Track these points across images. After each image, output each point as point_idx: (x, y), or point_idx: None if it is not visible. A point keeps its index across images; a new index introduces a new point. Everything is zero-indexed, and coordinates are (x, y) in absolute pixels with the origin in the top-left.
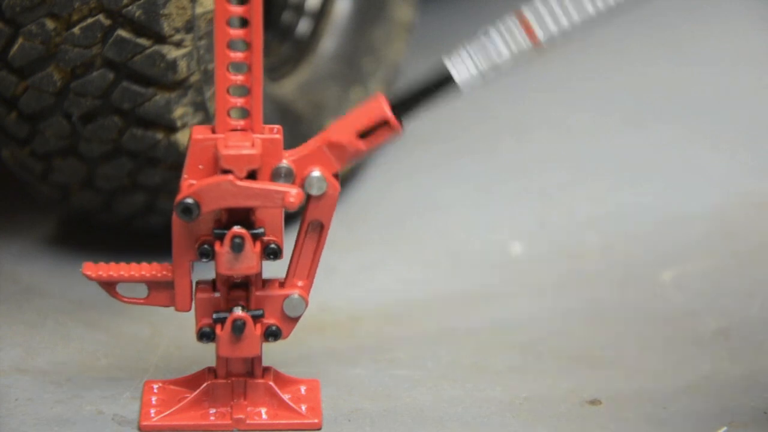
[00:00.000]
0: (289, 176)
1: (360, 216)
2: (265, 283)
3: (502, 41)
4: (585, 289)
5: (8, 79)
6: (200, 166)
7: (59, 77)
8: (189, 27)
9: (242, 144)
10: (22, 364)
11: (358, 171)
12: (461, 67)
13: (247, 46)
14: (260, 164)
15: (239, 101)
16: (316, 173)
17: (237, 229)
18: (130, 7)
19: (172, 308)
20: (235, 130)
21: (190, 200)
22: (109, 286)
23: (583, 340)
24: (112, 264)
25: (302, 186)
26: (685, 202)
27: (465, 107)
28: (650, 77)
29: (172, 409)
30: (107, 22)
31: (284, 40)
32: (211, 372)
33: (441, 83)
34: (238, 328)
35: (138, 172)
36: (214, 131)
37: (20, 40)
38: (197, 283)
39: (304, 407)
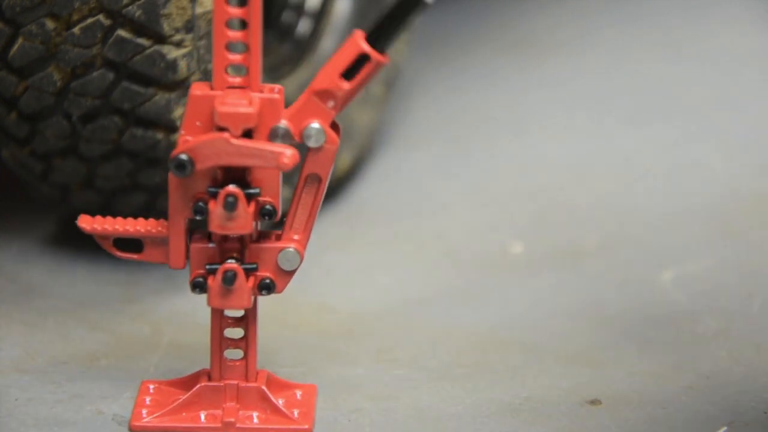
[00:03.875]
0: (286, 137)
1: (360, 216)
2: (261, 236)
3: None
4: (585, 289)
5: (8, 79)
6: (198, 123)
7: (59, 77)
8: (189, 27)
9: (239, 102)
10: (22, 364)
11: (358, 171)
12: None
13: (245, 1)
14: (257, 123)
15: (237, 57)
16: (315, 125)
17: (231, 187)
18: (130, 7)
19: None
20: (233, 87)
21: (184, 156)
22: (104, 239)
23: (583, 340)
24: (108, 218)
25: (300, 139)
26: (685, 201)
27: (465, 107)
28: (650, 77)
29: (163, 410)
30: (107, 22)
31: (284, 40)
32: (206, 374)
33: (411, 4)
34: (229, 279)
35: (138, 172)
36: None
37: (20, 40)
38: (193, 232)
39: (296, 412)
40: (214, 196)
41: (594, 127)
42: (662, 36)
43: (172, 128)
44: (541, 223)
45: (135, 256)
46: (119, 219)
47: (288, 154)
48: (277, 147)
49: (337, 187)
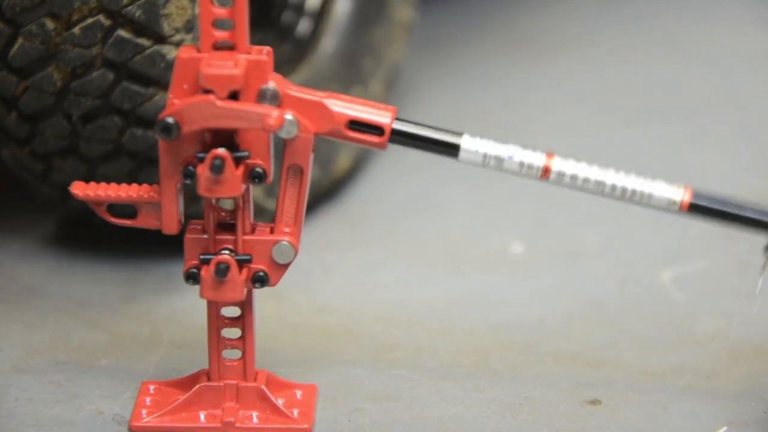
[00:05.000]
0: (274, 99)
1: (360, 216)
2: (255, 228)
3: (520, 154)
4: (585, 289)
5: (8, 79)
6: (185, 86)
7: (59, 77)
8: (189, 27)
9: (225, 64)
10: (22, 364)
11: (358, 170)
12: (472, 141)
13: None
14: (243, 85)
15: (223, 12)
16: (287, 116)
17: (218, 150)
18: (130, 7)
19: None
20: (220, 49)
21: (170, 119)
22: (97, 205)
23: (583, 340)
24: (102, 184)
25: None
26: None
27: (465, 108)
28: (650, 77)
29: (163, 411)
30: (107, 22)
31: (284, 40)
32: (206, 374)
33: (447, 144)
34: (222, 271)
35: (138, 172)
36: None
37: (20, 40)
38: (188, 223)
39: (296, 412)
40: (203, 160)
41: (594, 126)
42: (662, 36)
43: None
44: (541, 223)
45: (128, 222)
46: (113, 185)
47: (274, 115)
48: (263, 108)
49: (337, 187)
